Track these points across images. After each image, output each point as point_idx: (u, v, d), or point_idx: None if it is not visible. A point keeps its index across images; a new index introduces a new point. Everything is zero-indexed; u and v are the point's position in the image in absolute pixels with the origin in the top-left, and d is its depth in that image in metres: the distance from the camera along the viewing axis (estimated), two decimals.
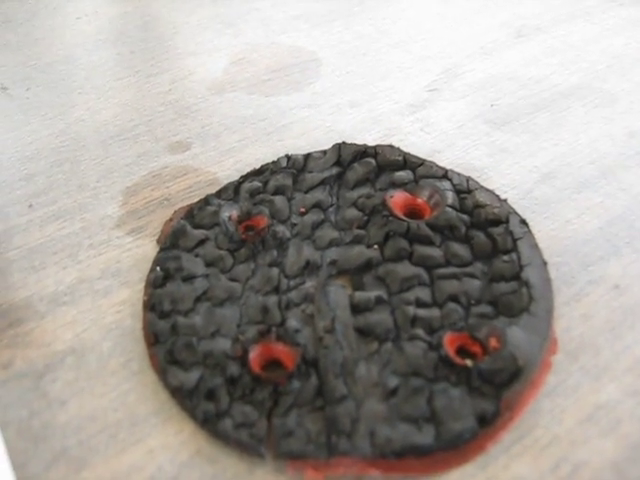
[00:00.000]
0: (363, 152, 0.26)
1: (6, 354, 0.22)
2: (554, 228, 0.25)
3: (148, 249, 0.25)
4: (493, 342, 0.20)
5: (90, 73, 0.33)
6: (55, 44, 0.36)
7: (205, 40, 0.35)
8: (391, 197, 0.25)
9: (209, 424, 0.19)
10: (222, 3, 0.38)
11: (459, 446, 0.19)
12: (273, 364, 0.21)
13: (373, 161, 0.26)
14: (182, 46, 0.35)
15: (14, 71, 0.34)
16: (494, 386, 0.19)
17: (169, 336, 0.21)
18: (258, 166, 0.27)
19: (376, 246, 0.23)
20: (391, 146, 0.26)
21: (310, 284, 0.23)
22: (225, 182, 0.27)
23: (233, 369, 0.20)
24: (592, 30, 0.35)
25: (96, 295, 0.23)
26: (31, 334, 0.22)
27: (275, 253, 0.24)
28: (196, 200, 0.26)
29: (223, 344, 0.21)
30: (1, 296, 0.24)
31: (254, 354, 0.21)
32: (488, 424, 0.19)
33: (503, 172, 0.27)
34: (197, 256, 0.24)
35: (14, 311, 0.23)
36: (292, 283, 0.23)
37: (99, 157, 0.29)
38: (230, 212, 0.25)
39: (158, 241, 0.25)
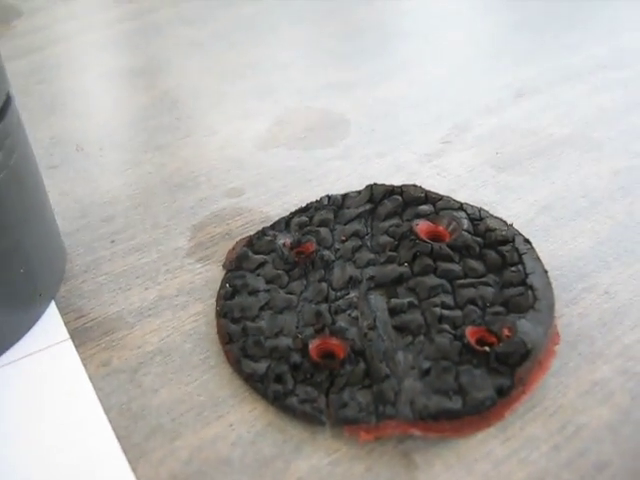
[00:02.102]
0: (391, 191, 0.32)
1: (104, 355, 0.27)
2: (553, 248, 0.30)
3: (216, 273, 0.30)
4: (506, 332, 0.25)
5: (153, 134, 0.39)
6: (121, 112, 0.42)
7: (250, 105, 0.41)
8: (416, 225, 0.30)
9: (278, 401, 0.24)
10: (261, 74, 0.44)
11: (482, 412, 0.23)
12: (328, 356, 0.26)
13: (400, 198, 0.31)
14: (231, 111, 0.41)
15: (88, 134, 0.40)
16: (508, 366, 0.24)
17: (240, 337, 0.26)
18: (303, 205, 0.32)
19: (406, 264, 0.28)
20: (414, 185, 0.32)
21: (354, 294, 0.27)
22: (276, 219, 0.32)
23: (296, 358, 0.25)
24: (582, 89, 0.41)
25: (175, 309, 0.28)
26: (124, 340, 0.27)
27: (323, 272, 0.29)
28: (252, 233, 0.31)
29: (286, 341, 0.26)
30: (96, 311, 0.29)
31: (312, 346, 0.25)
32: (505, 395, 0.23)
33: (508, 206, 0.32)
34: (259, 275, 0.29)
35: (108, 322, 0.28)
36: (339, 294, 0.28)
37: (167, 201, 0.34)
38: (284, 240, 0.30)
39: (224, 266, 0.30)
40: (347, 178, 0.35)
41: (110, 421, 0.24)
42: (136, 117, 0.41)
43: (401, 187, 0.32)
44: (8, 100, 0.26)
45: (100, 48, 0.49)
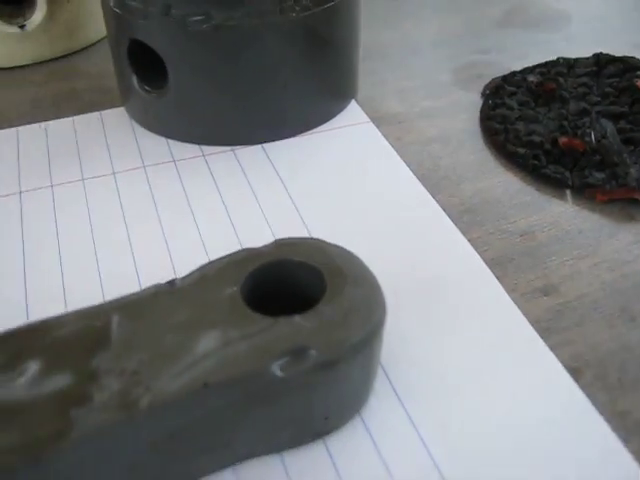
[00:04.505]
0: (614, 59, 0.41)
1: (397, 134, 0.37)
2: None
3: (476, 98, 0.40)
4: None
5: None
6: None
7: None
8: (636, 81, 0.39)
9: (536, 171, 0.34)
10: None
11: None
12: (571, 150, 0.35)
13: (621, 65, 0.40)
14: None
15: None
16: None
17: (502, 132, 0.36)
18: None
19: (626, 106, 0.38)
20: (633, 57, 0.41)
21: (586, 119, 0.37)
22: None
23: (547, 146, 0.35)
24: None
25: (448, 114, 0.38)
26: (411, 127, 0.38)
27: (561, 104, 0.38)
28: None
29: (538, 138, 0.35)
30: (387, 109, 0.39)
31: (561, 141, 0.35)
32: None
33: None
34: (512, 99, 0.38)
35: (397, 116, 0.38)
36: (574, 118, 0.37)
37: (430, 54, 0.44)
38: (531, 78, 0.40)
39: (482, 94, 0.40)
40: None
41: (412, 171, 0.35)
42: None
43: (621, 57, 0.41)
44: None
45: None
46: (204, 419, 0.20)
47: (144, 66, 0.36)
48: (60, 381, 0.20)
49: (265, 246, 0.24)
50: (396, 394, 0.24)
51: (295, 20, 0.33)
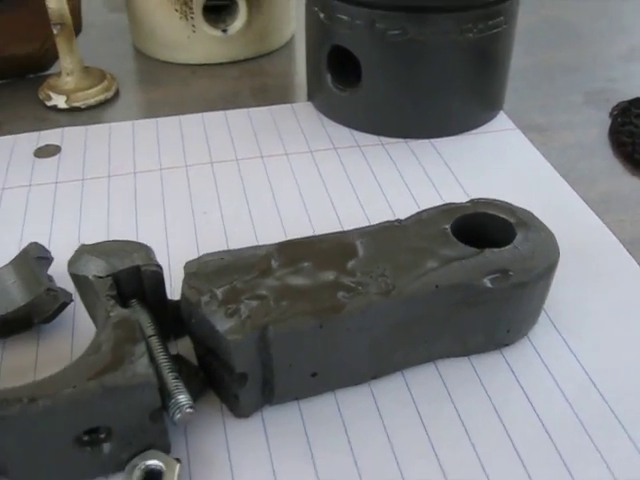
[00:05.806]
0: None
1: (539, 140, 0.45)
2: None
3: (604, 117, 0.47)
4: None
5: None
6: None
7: None
8: None
9: None
10: None
11: None
12: None
13: None
14: None
15: None
16: None
17: (630, 144, 0.43)
18: None
19: None
20: None
21: None
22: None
23: None
24: None
25: (581, 127, 0.46)
26: (550, 135, 0.45)
27: None
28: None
29: None
30: (528, 120, 0.47)
31: None
32: None
33: None
34: (638, 119, 0.46)
35: (537, 126, 0.46)
36: None
37: (562, 79, 0.52)
38: None
39: (610, 114, 0.47)
40: None
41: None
42: None
43: None
44: None
45: None
46: (432, 314, 0.28)
47: (335, 68, 0.44)
48: (328, 276, 0.28)
49: (464, 202, 0.32)
50: (554, 326, 0.32)
51: (471, 40, 0.41)
